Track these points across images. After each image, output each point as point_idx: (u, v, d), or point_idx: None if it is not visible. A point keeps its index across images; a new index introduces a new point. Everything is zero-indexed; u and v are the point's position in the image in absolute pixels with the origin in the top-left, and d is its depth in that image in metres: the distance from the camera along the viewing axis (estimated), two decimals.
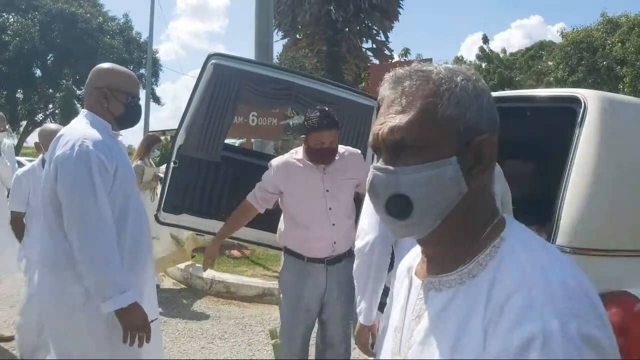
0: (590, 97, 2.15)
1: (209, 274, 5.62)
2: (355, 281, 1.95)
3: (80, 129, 1.99)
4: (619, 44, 22.00)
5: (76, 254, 1.88)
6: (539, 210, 2.53)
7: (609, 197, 2.00)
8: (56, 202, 1.93)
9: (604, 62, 23.00)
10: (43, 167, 3.27)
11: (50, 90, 28.02)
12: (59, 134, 2.04)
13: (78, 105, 27.95)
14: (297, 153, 2.69)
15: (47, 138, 3.65)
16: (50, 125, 3.83)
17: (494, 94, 2.96)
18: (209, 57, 3.16)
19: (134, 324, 1.90)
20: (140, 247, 2.11)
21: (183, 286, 5.88)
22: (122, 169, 2.02)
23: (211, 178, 3.28)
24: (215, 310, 4.98)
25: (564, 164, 2.09)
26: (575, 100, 2.19)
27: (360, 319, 1.94)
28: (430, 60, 7.62)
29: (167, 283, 6.05)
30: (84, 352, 1.94)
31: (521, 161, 3.31)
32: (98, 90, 2.09)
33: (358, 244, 1.90)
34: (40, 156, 3.36)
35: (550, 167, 2.54)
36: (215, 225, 3.04)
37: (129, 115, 2.16)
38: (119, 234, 1.97)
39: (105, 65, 2.20)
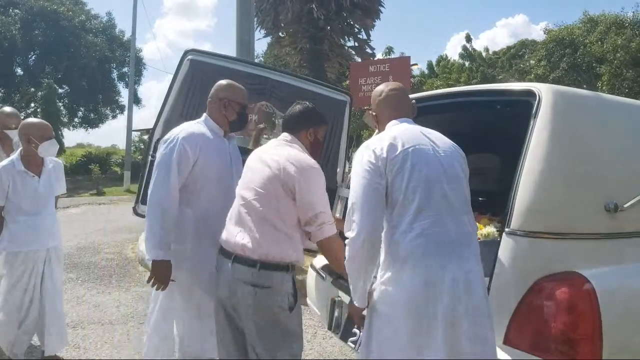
0: (544, 90, 2.27)
1: None
2: (348, 268, 2.04)
3: (186, 125, 2.62)
4: (598, 43, 22.42)
5: None
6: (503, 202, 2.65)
7: (559, 183, 2.12)
8: None
9: (585, 60, 23.40)
10: (22, 161, 3.34)
11: (32, 89, 27.74)
12: None
13: (60, 104, 27.78)
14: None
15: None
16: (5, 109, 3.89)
17: (458, 88, 3.09)
18: (186, 52, 3.24)
19: (155, 275, 2.50)
20: (207, 226, 2.57)
21: None
22: (202, 160, 2.55)
23: None
24: None
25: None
26: (531, 94, 2.31)
27: (356, 302, 2.06)
28: (408, 58, 7.75)
29: None
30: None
31: (487, 154, 3.44)
32: (220, 100, 2.68)
33: (350, 234, 2.00)
34: (19, 150, 3.41)
35: (516, 158, 2.67)
36: None
37: (240, 121, 2.74)
38: (187, 207, 2.57)
39: (225, 81, 2.77)
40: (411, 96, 2.53)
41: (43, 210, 3.43)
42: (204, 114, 2.73)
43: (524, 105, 2.33)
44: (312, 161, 2.27)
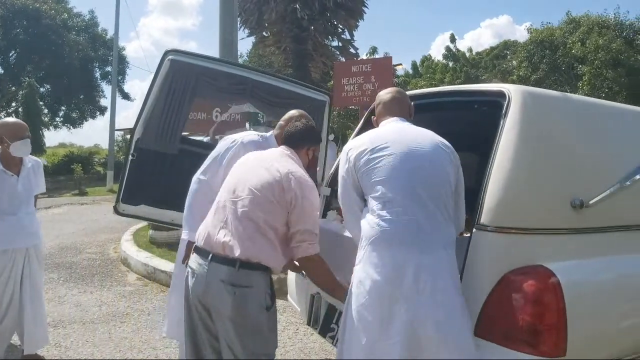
0: (513, 91, 2.36)
1: (173, 267, 5.69)
2: None
3: (251, 134, 2.88)
4: (579, 43, 22.75)
5: None
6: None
7: (527, 180, 2.20)
8: None
9: (565, 61, 23.74)
10: (0, 161, 3.33)
11: (13, 88, 27.33)
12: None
13: (41, 103, 27.44)
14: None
15: None
16: None
17: (432, 89, 3.16)
18: (166, 53, 3.27)
19: (188, 255, 2.59)
20: None
21: (147, 280, 5.95)
22: None
23: (167, 170, 3.39)
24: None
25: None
26: (501, 94, 2.39)
27: None
28: (390, 58, 7.84)
29: (131, 277, 6.12)
30: None
31: (466, 153, 3.51)
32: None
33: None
34: None
35: (487, 157, 2.74)
36: (172, 216, 3.15)
37: None
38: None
39: (296, 111, 2.85)
40: None
41: (22, 209, 3.43)
42: (271, 131, 2.89)
43: (495, 105, 2.40)
44: (311, 182, 2.35)
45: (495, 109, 2.39)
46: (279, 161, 2.36)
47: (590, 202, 2.25)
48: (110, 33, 28.09)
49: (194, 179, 2.77)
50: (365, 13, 14.83)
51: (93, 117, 31.27)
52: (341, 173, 2.28)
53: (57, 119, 30.54)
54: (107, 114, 25.98)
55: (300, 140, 2.49)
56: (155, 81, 3.23)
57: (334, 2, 13.86)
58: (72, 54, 26.77)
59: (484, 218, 2.16)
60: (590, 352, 2.14)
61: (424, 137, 2.22)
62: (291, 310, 4.43)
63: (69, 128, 31.00)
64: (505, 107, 2.33)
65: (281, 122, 2.83)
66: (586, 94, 20.39)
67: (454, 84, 24.19)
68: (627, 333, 2.34)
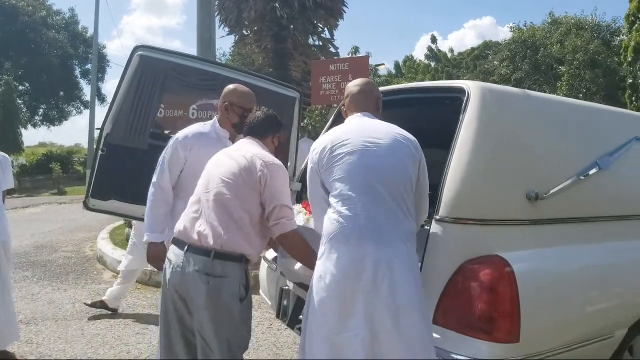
0: (472, 87, 2.42)
1: (148, 265, 5.68)
2: None
3: (190, 127, 2.83)
4: (558, 44, 23.09)
5: None
6: None
7: (484, 173, 2.26)
8: None
9: (545, 61, 24.06)
10: None
11: None
12: None
13: (20, 102, 27.03)
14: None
15: None
16: None
17: (396, 86, 3.22)
18: (135, 48, 3.28)
19: (149, 255, 2.78)
20: None
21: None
22: (193, 159, 2.71)
23: (138, 165, 3.39)
24: (153, 299, 5.06)
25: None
26: (461, 90, 2.46)
27: None
28: (367, 57, 7.91)
29: (107, 275, 6.09)
30: None
31: (430, 149, 3.58)
32: (223, 104, 2.80)
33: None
34: None
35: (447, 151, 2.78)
36: (143, 211, 3.15)
37: (242, 124, 2.71)
38: (178, 199, 2.74)
39: (231, 85, 2.88)
40: None
41: None
42: (215, 117, 2.90)
43: (456, 101, 2.47)
44: (279, 161, 2.39)
45: (456, 105, 2.45)
46: (244, 149, 2.41)
47: (545, 194, 2.33)
48: (91, 31, 27.79)
49: (151, 182, 2.80)
50: (344, 12, 14.96)
51: (79, 112, 31.11)
52: (308, 173, 2.32)
53: (37, 117, 30.13)
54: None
55: (264, 129, 2.53)
56: (124, 76, 3.24)
57: (313, 1, 13.87)
58: (51, 51, 26.41)
59: (442, 210, 2.22)
60: (545, 339, 2.22)
61: (383, 131, 2.22)
62: (266, 306, 4.45)
63: (49, 126, 30.64)
64: (464, 102, 2.39)
65: (218, 102, 2.84)
66: (565, 94, 20.68)
67: None
68: (582, 321, 2.43)
